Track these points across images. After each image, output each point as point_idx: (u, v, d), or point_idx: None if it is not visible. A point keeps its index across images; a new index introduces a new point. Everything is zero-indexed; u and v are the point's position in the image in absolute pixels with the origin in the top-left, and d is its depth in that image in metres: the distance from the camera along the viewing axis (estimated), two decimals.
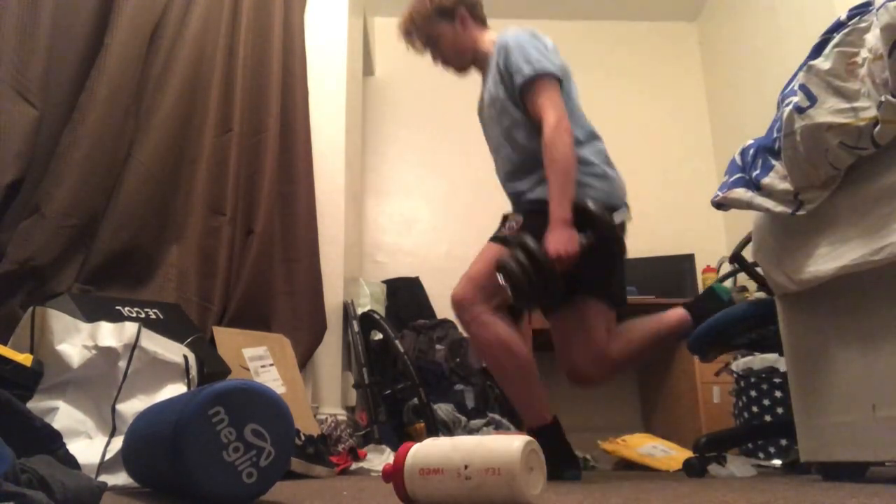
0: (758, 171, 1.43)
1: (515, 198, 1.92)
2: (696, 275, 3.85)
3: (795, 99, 1.26)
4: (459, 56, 2.02)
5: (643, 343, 1.91)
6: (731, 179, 1.50)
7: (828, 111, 1.20)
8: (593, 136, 1.87)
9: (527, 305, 1.67)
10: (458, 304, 1.74)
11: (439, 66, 2.08)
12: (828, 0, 2.96)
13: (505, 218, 1.94)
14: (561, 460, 1.65)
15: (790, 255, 1.42)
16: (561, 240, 1.60)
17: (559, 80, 1.78)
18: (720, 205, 1.54)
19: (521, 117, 1.83)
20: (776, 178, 1.38)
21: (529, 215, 1.78)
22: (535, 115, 1.76)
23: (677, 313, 1.97)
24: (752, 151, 1.46)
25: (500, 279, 1.59)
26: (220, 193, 2.42)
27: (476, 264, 1.79)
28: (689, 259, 3.90)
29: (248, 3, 2.70)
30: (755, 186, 1.43)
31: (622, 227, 1.72)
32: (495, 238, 1.84)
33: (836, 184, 1.28)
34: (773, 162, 1.39)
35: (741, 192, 1.46)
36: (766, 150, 1.42)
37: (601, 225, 1.62)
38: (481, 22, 2.04)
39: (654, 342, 1.94)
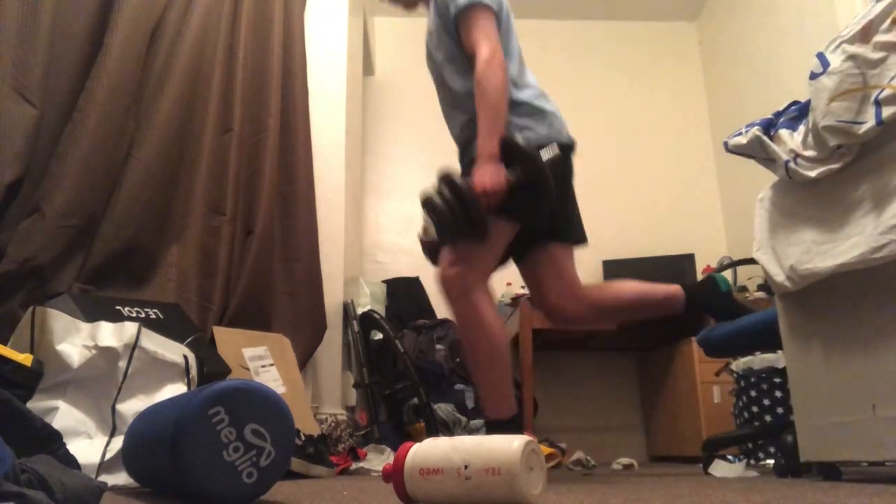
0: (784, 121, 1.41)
1: (459, 145, 1.87)
2: (696, 275, 3.85)
3: None
4: None
5: (626, 303, 1.90)
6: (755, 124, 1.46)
7: None
8: (525, 74, 1.83)
9: (451, 240, 1.60)
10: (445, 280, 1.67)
11: (386, 2, 2.02)
12: (828, 0, 2.97)
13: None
14: None
15: (789, 253, 1.42)
16: (487, 174, 1.55)
17: (495, 14, 1.73)
18: (731, 150, 1.51)
19: (454, 51, 1.78)
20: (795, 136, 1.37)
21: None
22: (469, 46, 1.70)
23: (672, 290, 1.94)
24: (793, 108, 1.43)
25: (425, 214, 1.56)
26: (220, 193, 2.42)
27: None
28: (689, 259, 3.91)
29: (248, 3, 2.70)
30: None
31: (554, 162, 1.62)
32: None
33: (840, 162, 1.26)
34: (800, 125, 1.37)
35: (755, 132, 1.43)
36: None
37: (528, 161, 1.56)
38: None
39: (639, 308, 1.92)
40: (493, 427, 1.65)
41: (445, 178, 1.55)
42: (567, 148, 1.75)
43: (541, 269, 1.86)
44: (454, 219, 1.53)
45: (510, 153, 1.58)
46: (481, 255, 1.66)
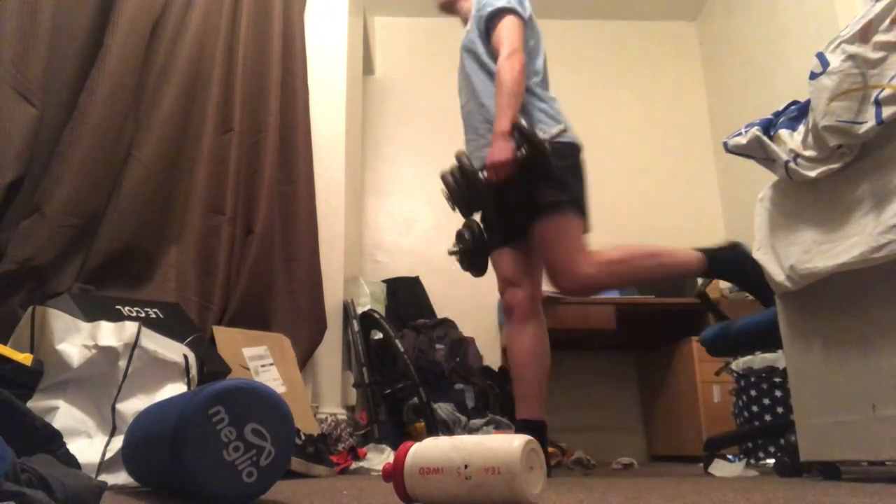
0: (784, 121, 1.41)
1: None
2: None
3: None
4: None
5: (644, 271, 1.93)
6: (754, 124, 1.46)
7: None
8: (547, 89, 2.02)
9: (463, 211, 1.87)
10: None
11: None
12: (828, 0, 2.96)
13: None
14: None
15: (790, 253, 1.42)
16: (497, 149, 1.77)
17: (524, 21, 1.93)
18: (731, 151, 1.52)
19: (483, 54, 1.96)
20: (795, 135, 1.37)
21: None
22: (495, 45, 1.90)
23: (694, 256, 1.91)
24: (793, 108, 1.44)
25: (442, 189, 1.85)
26: (220, 193, 2.42)
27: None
28: None
29: (248, 2, 2.70)
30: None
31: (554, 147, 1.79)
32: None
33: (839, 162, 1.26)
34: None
35: (755, 132, 1.43)
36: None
37: (533, 140, 1.76)
38: None
39: (657, 274, 1.95)
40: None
41: (457, 157, 1.83)
42: (575, 147, 1.92)
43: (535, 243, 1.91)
44: (460, 192, 1.80)
45: (519, 135, 1.79)
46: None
